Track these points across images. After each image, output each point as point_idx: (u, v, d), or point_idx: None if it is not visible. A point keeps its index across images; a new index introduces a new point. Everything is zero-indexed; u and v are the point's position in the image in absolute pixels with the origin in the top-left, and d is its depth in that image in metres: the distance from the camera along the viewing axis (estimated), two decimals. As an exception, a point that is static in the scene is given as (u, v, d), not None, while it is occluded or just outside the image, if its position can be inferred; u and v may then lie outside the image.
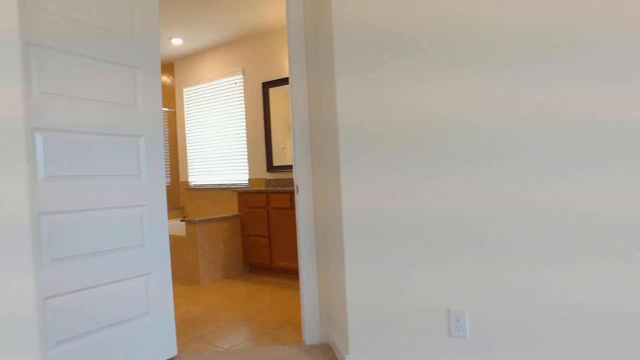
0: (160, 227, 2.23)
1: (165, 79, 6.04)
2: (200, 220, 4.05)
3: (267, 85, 4.85)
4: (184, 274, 4.21)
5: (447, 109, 1.72)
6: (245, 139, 5.13)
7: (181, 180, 5.91)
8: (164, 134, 6.12)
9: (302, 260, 2.48)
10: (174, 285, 4.02)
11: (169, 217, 5.70)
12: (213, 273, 4.17)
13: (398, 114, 1.82)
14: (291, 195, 4.03)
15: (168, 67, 6.05)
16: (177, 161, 5.95)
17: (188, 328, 2.84)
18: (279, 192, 4.13)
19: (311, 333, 2.46)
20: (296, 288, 3.75)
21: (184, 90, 5.83)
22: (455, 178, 1.71)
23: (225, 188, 5.28)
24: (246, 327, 2.82)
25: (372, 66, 1.86)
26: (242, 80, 5.13)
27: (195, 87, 5.68)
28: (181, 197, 5.91)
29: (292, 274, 4.23)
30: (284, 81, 4.69)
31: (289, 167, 4.65)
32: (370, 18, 1.86)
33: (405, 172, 1.82)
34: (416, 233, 1.81)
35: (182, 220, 4.13)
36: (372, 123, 1.89)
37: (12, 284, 1.52)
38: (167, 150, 6.09)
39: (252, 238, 4.37)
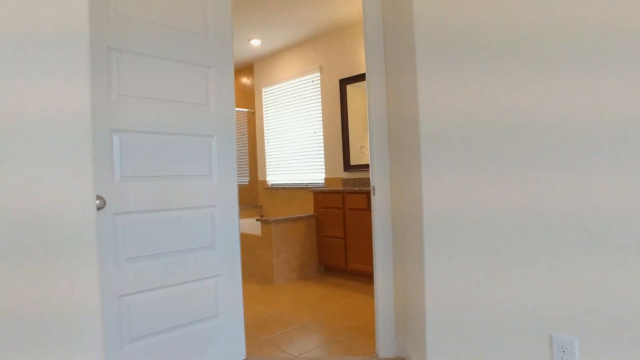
0: (231, 229, 2.20)
1: (245, 80, 6.18)
2: (275, 220, 4.04)
3: (344, 82, 4.73)
4: (258, 273, 4.24)
5: (535, 107, 1.46)
6: (322, 137, 5.06)
7: (259, 179, 6.01)
8: (244, 134, 6.27)
9: (378, 265, 2.31)
10: (248, 285, 4.07)
11: (246, 216, 5.82)
12: (287, 273, 4.15)
13: (482, 112, 1.65)
14: (368, 195, 3.87)
15: (248, 68, 6.19)
16: (256, 160, 6.06)
17: (259, 330, 2.81)
18: (355, 193, 3.99)
19: (385, 345, 2.29)
20: (370, 293, 3.59)
21: (263, 90, 5.91)
22: (550, 177, 1.44)
23: (302, 187, 5.25)
24: (317, 333, 2.72)
25: (455, 64, 1.71)
26: (319, 78, 5.06)
27: (273, 87, 5.74)
28: (259, 195, 6.01)
29: (366, 277, 4.07)
30: (361, 77, 4.53)
31: (366, 166, 4.49)
32: (452, 14, 1.71)
33: (493, 172, 1.59)
34: (506, 236, 1.56)
35: (257, 220, 4.15)
36: (454, 121, 1.74)
37: (88, 282, 1.55)
38: (247, 150, 6.24)
39: (327, 239, 4.28)
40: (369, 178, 4.44)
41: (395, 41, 2.23)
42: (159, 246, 1.92)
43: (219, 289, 2.14)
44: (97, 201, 1.71)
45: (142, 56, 1.90)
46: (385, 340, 2.28)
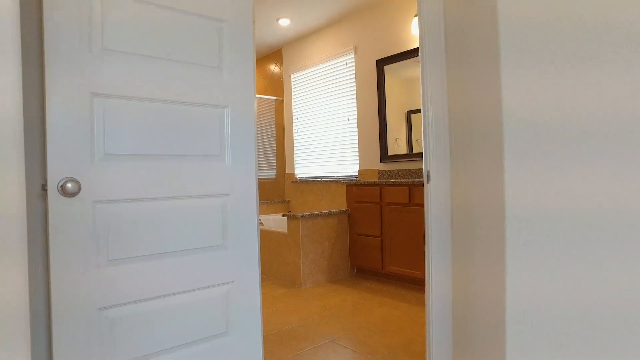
0: (248, 224, 1.76)
1: (274, 67, 5.76)
2: (303, 216, 3.59)
3: (381, 63, 4.22)
4: (284, 275, 3.80)
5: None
6: (355, 125, 4.57)
7: (287, 172, 5.59)
8: (271, 124, 5.86)
9: (431, 267, 1.82)
10: (271, 288, 3.64)
11: (272, 211, 5.41)
12: (316, 275, 3.70)
13: (574, 107, 1.34)
14: (410, 188, 3.37)
15: (276, 54, 5.76)
16: (284, 152, 5.64)
17: (281, 344, 2.36)
18: (395, 185, 3.49)
19: (440, 375, 1.80)
20: (412, 301, 3.08)
21: (292, 76, 5.48)
22: None
23: (333, 180, 4.79)
24: (350, 351, 2.25)
25: (545, 58, 1.39)
26: (353, 59, 4.57)
27: (303, 72, 5.29)
28: (286, 190, 5.59)
29: (407, 282, 3.56)
30: (401, 56, 4.01)
31: (406, 157, 3.97)
32: (541, 7, 1.40)
33: (588, 168, 1.13)
34: (611, 236, 1.06)
35: (283, 215, 3.72)
36: (543, 114, 1.38)
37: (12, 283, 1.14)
38: (274, 141, 5.82)
39: (362, 238, 3.80)
40: (409, 169, 3.92)
41: (463, 34, 1.77)
42: (152, 245, 1.50)
43: (230, 299, 1.70)
44: (69, 184, 1.30)
45: (135, 1, 1.48)
46: (439, 367, 1.79)
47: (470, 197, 1.67)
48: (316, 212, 3.69)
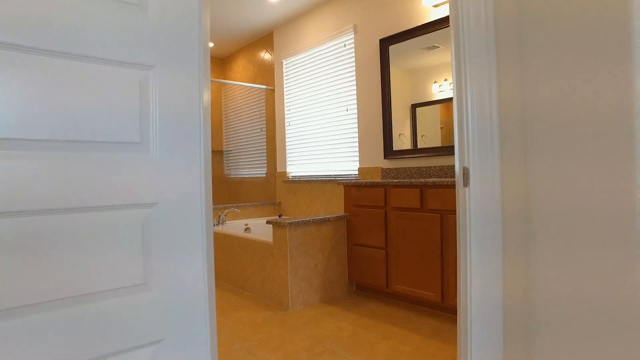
0: (187, 251, 1.14)
1: (264, 54, 5.13)
2: (292, 223, 2.97)
3: (385, 43, 3.60)
4: (269, 293, 3.18)
5: None
6: (355, 116, 3.95)
7: (278, 170, 4.97)
8: (261, 117, 5.23)
9: (472, 272, 1.21)
10: (253, 311, 3.01)
11: (262, 214, 4.78)
12: (306, 295, 3.08)
13: None
14: (422, 190, 2.74)
15: (267, 38, 5.14)
16: (275, 148, 5.01)
17: (256, 405, 1.74)
18: (403, 186, 2.87)
19: None
20: (425, 331, 2.47)
21: (284, 62, 4.85)
22: None
23: (329, 180, 4.17)
24: (350, 418, 1.63)
25: None
26: (352, 40, 3.95)
27: (296, 57, 4.66)
28: (278, 190, 4.97)
29: (417, 304, 2.94)
30: (409, 34, 3.39)
31: (413, 152, 3.36)
32: None
33: None
34: None
35: (268, 222, 3.09)
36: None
37: None
38: (264, 135, 5.20)
39: (362, 249, 3.18)
40: (418, 167, 3.30)
41: (537, 26, 1.20)
42: (23, 290, 0.88)
43: (156, 371, 1.08)
44: None
45: None
46: None
47: (543, 194, 1.07)
48: (307, 219, 3.07)
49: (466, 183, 1.16)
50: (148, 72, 1.09)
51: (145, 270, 1.07)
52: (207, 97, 1.19)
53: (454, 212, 2.56)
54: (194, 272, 1.14)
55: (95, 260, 0.99)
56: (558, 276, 1.31)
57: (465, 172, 1.18)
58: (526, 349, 1.40)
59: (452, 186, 2.56)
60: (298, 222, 3.00)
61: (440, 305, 2.75)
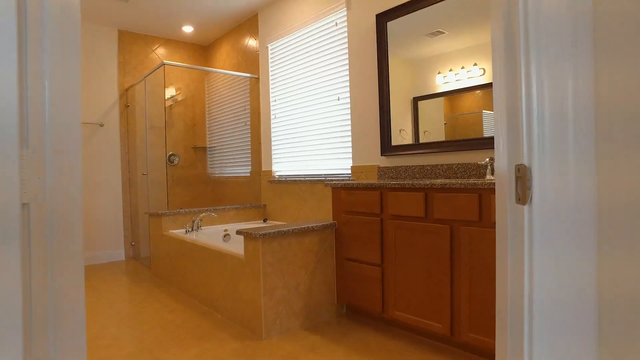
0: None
1: (248, 40, 4.57)
2: (266, 235, 2.42)
3: (383, 18, 3.04)
4: (241, 316, 2.63)
5: None
6: (348, 106, 3.40)
7: (263, 169, 4.42)
8: (245, 109, 4.68)
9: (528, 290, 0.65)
10: (221, 339, 2.46)
11: (244, 218, 4.22)
12: (285, 321, 2.52)
13: None
14: (428, 194, 2.19)
15: (251, 22, 4.58)
16: (260, 143, 4.46)
17: None
18: (404, 189, 2.32)
19: None
20: (433, 379, 1.91)
21: (269, 47, 4.30)
22: None
23: (319, 180, 3.62)
24: None
25: None
26: (345, 18, 3.39)
27: (282, 41, 4.11)
28: (263, 191, 4.42)
29: (421, 335, 2.39)
30: (411, 5, 2.83)
31: (418, 148, 2.80)
32: None
33: None
34: None
35: (238, 232, 2.54)
36: None
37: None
38: (249, 130, 4.65)
39: (354, 265, 2.63)
40: (421, 166, 2.75)
41: None
42: None
43: None
44: None
45: None
46: None
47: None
48: (286, 228, 2.51)
49: (526, 185, 0.62)
50: None
51: None
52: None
53: (467, 222, 2.01)
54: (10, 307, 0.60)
55: None
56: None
57: (522, 171, 0.64)
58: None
59: (466, 190, 2.00)
60: (274, 233, 2.45)
61: (448, 339, 2.19)
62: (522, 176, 0.64)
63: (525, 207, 0.64)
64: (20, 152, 0.58)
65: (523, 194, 0.64)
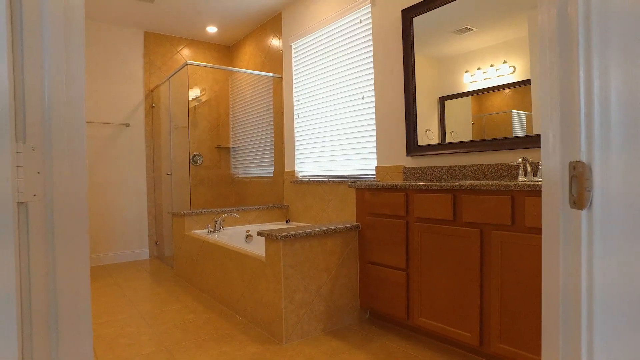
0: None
1: (272, 40, 4.54)
2: (287, 236, 2.36)
3: (409, 14, 2.94)
4: (261, 319, 2.58)
5: None
6: (372, 105, 3.31)
7: (286, 169, 4.37)
8: (269, 110, 4.65)
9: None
10: (241, 341, 2.41)
11: (267, 219, 4.19)
12: (306, 324, 2.46)
13: None
14: (455, 196, 2.09)
15: (275, 21, 4.55)
16: (283, 144, 4.42)
17: None
18: (430, 191, 2.22)
19: None
20: (461, 391, 1.81)
21: (292, 46, 4.25)
22: None
23: (343, 181, 3.54)
24: None
25: None
26: (369, 15, 3.31)
27: (305, 39, 4.06)
28: (286, 192, 4.37)
29: (447, 344, 2.28)
30: (438, 1, 2.72)
31: (445, 148, 2.69)
32: None
33: None
34: None
35: (259, 233, 2.49)
36: None
37: None
38: (271, 130, 4.61)
39: (378, 269, 2.54)
40: (449, 167, 2.64)
41: None
42: None
43: None
44: None
45: None
46: None
47: None
48: (308, 230, 2.45)
49: (584, 185, 0.53)
50: None
51: None
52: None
53: (499, 226, 1.90)
54: None
55: None
56: None
57: (579, 169, 0.54)
58: None
59: (498, 191, 1.89)
60: (296, 234, 2.39)
61: (477, 350, 2.08)
62: (579, 175, 0.55)
63: (583, 212, 0.54)
64: (12, 146, 0.54)
65: (580, 197, 0.54)
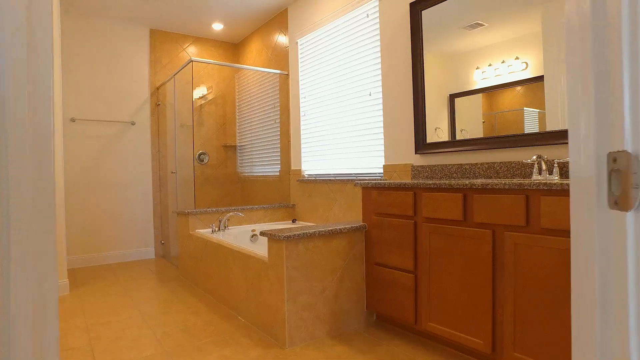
0: None
1: (278, 36, 4.46)
2: (290, 236, 2.28)
3: (417, 7, 2.84)
4: (264, 321, 2.50)
5: None
6: (380, 101, 3.22)
7: (292, 168, 4.29)
8: (275, 107, 4.57)
9: None
10: (242, 345, 2.33)
11: (272, 219, 4.11)
12: (310, 328, 2.38)
13: None
14: (466, 195, 1.99)
15: (280, 17, 4.47)
16: (289, 142, 4.34)
17: None
18: (439, 190, 2.12)
19: None
20: (472, 402, 1.71)
21: (299, 42, 4.17)
22: None
23: (350, 179, 3.46)
24: None
25: None
26: (377, 9, 3.21)
27: (311, 35, 3.97)
28: (292, 191, 4.30)
29: (457, 350, 2.18)
30: (449, -8, 2.62)
31: (455, 145, 2.59)
32: None
33: None
34: None
35: (262, 234, 2.41)
36: None
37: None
38: (278, 128, 4.54)
39: (384, 271, 2.45)
40: (459, 165, 2.54)
41: None
42: None
43: None
44: None
45: None
46: None
47: None
48: (311, 231, 2.37)
49: (630, 181, 0.44)
50: None
51: None
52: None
53: (512, 227, 1.79)
54: None
55: None
56: None
57: (621, 161, 0.45)
58: None
59: (512, 190, 1.79)
60: (299, 234, 2.30)
61: (489, 358, 1.98)
62: (623, 169, 0.45)
63: (629, 215, 0.44)
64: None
65: (624, 195, 0.44)
